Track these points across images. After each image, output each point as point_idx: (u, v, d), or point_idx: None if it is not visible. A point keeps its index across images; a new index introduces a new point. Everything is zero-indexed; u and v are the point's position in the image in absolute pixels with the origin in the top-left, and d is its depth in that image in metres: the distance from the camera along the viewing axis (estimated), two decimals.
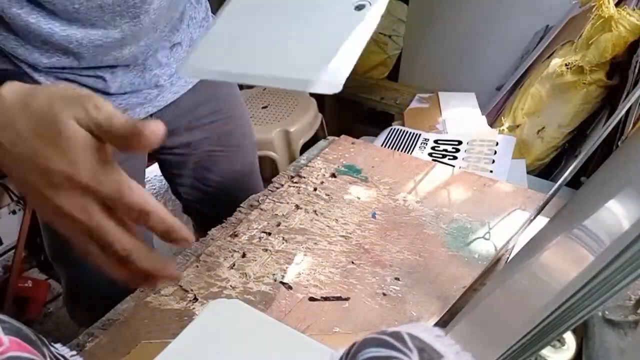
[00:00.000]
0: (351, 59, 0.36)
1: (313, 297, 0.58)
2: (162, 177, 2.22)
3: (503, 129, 1.39)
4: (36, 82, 0.60)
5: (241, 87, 1.53)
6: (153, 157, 0.85)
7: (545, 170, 1.43)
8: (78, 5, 0.55)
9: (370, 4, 0.38)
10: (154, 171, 1.53)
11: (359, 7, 0.38)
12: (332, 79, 0.35)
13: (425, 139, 1.28)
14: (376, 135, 1.34)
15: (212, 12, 0.79)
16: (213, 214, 0.73)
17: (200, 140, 0.82)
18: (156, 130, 0.34)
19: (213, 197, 0.88)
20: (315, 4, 0.40)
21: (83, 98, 0.34)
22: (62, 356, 0.38)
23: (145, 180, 0.88)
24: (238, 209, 0.73)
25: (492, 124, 1.45)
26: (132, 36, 0.61)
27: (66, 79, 0.62)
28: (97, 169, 0.34)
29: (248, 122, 0.92)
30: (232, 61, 0.39)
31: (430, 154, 1.21)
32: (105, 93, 0.64)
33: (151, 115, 0.72)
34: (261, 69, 0.37)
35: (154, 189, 1.76)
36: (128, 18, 0.59)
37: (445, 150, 1.22)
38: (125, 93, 0.66)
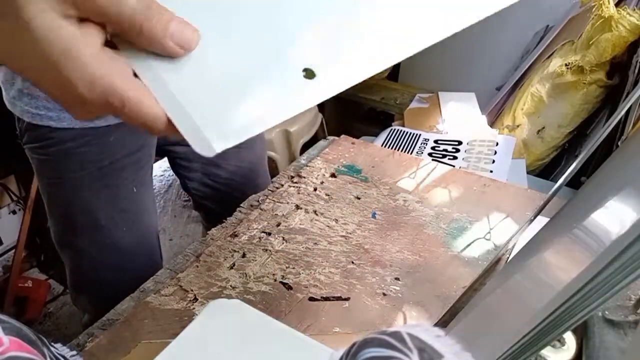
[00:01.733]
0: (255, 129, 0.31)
1: (313, 297, 0.58)
2: (161, 177, 2.21)
3: (503, 129, 1.39)
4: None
5: None
6: (162, 152, 0.85)
7: (545, 170, 1.43)
8: None
9: (316, 73, 0.32)
10: (155, 170, 1.53)
11: (309, 75, 0.32)
12: (213, 140, 0.31)
13: (425, 139, 1.28)
14: (376, 135, 1.35)
15: None
16: (222, 211, 0.73)
17: None
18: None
19: (222, 194, 0.89)
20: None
21: None
22: (62, 356, 0.38)
23: None
24: (238, 209, 0.73)
25: (492, 124, 1.45)
26: None
27: None
28: None
29: None
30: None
31: (430, 154, 1.21)
32: None
33: None
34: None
35: (154, 189, 1.76)
36: None
37: (445, 151, 1.22)
38: None
